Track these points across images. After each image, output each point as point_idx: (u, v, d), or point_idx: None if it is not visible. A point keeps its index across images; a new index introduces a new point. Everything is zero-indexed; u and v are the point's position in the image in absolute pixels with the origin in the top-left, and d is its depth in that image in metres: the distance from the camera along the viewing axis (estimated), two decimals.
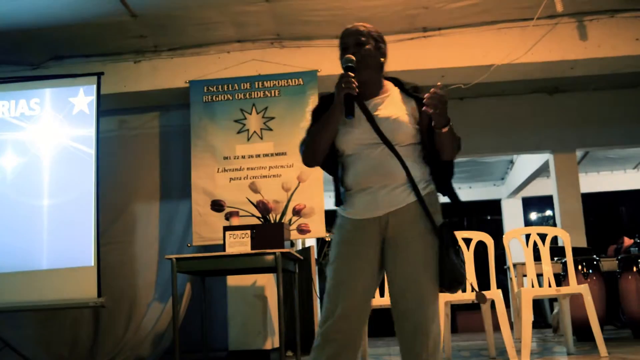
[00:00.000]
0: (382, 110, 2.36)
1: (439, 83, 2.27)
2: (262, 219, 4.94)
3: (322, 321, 2.30)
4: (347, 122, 2.33)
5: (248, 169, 5.46)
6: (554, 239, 5.54)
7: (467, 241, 4.77)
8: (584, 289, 4.65)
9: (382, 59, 2.44)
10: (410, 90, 2.41)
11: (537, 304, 8.89)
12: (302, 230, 5.31)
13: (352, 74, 2.31)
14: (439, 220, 2.33)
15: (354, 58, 2.36)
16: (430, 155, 2.36)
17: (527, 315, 4.64)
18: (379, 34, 2.46)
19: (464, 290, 2.36)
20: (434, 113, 2.22)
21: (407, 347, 2.28)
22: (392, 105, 2.38)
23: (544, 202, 12.40)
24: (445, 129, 2.25)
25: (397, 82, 2.47)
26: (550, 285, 4.79)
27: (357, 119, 2.33)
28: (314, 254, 7.74)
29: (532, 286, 4.88)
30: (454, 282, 2.28)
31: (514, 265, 5.92)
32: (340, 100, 2.30)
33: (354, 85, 2.28)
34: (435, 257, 2.28)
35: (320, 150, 2.40)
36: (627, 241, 7.14)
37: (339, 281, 2.31)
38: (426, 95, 2.23)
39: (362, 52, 2.39)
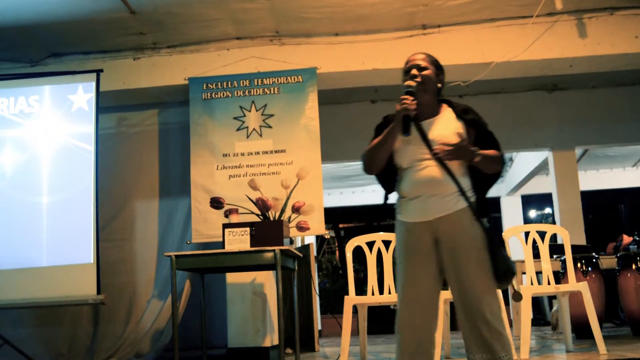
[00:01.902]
0: (434, 130, 2.71)
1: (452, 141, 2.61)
2: (261, 216, 4.94)
3: (396, 319, 2.71)
4: (405, 140, 2.70)
5: (247, 166, 5.46)
6: (553, 237, 5.54)
7: None
8: (583, 287, 4.66)
9: (439, 85, 2.79)
10: (458, 113, 2.76)
11: (536, 301, 8.90)
12: (301, 228, 5.31)
13: (411, 97, 2.65)
14: (486, 224, 2.68)
15: (414, 84, 2.69)
16: (472, 168, 2.71)
17: (526, 313, 4.65)
18: (439, 64, 2.82)
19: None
20: (452, 159, 2.62)
21: (468, 333, 2.62)
22: (443, 126, 2.72)
23: (543, 200, 12.41)
24: (476, 159, 2.62)
25: (450, 104, 2.82)
26: (549, 283, 4.79)
27: (413, 138, 2.69)
28: (314, 251, 7.76)
29: (532, 284, 4.88)
30: (508, 272, 2.64)
31: (513, 262, 5.91)
32: (399, 120, 2.64)
33: (412, 107, 2.62)
34: (487, 256, 2.62)
35: (379, 161, 2.76)
36: (626, 239, 7.15)
37: (403, 295, 2.70)
38: (435, 148, 2.63)
39: (423, 76, 2.73)
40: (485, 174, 2.72)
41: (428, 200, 2.67)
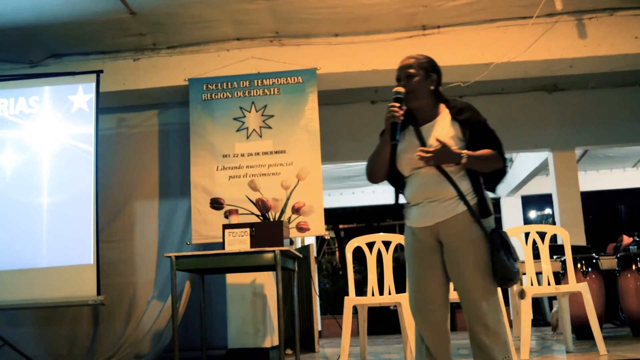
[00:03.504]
0: (432, 135, 2.69)
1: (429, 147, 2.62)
2: (261, 217, 4.94)
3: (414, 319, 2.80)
4: (405, 149, 2.72)
5: (247, 167, 5.46)
6: (553, 237, 5.54)
7: None
8: (583, 287, 4.66)
9: (432, 87, 2.74)
10: (452, 114, 2.72)
11: (537, 302, 8.89)
12: (301, 229, 5.31)
13: (398, 104, 2.65)
14: (489, 226, 2.68)
15: (402, 90, 2.69)
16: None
17: (527, 314, 4.64)
18: (430, 64, 2.76)
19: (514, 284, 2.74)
20: (435, 165, 2.62)
21: (471, 336, 2.66)
22: (440, 130, 2.70)
23: (543, 201, 12.43)
24: (463, 161, 2.59)
25: (447, 104, 2.77)
26: (549, 284, 4.79)
27: (413, 144, 2.70)
28: (313, 252, 7.76)
29: (532, 284, 4.88)
30: (505, 278, 2.62)
31: (515, 264, 5.90)
32: (387, 127, 2.66)
33: (398, 114, 2.63)
34: (488, 259, 2.63)
35: (378, 170, 2.80)
36: (626, 239, 7.14)
37: (412, 295, 2.79)
38: (417, 155, 2.61)
39: (412, 84, 2.71)
40: (485, 173, 2.71)
41: (429, 206, 2.69)
